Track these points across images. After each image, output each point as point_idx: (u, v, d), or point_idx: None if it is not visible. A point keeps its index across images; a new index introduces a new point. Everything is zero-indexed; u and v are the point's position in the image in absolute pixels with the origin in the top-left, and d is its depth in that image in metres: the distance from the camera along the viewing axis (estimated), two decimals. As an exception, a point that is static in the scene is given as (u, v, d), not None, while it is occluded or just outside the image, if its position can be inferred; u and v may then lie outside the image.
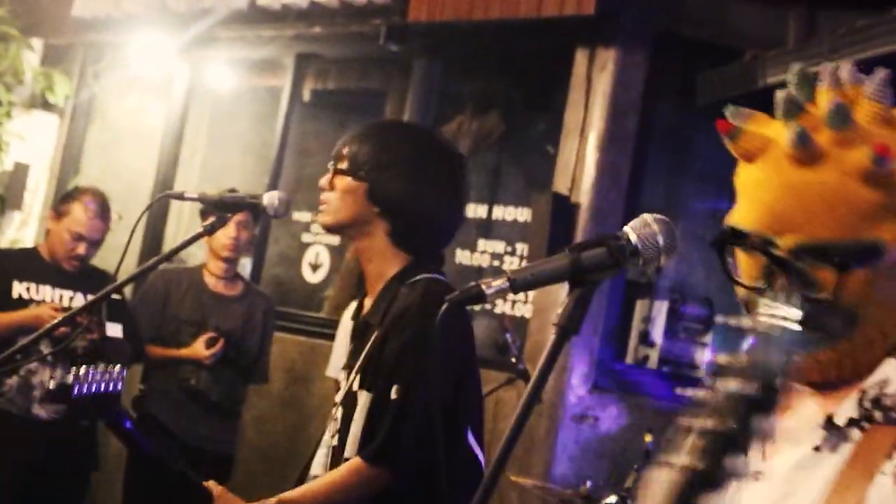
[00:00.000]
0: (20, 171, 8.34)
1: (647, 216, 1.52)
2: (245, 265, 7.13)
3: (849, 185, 1.40)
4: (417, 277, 2.71)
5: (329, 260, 7.62)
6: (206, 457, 4.99)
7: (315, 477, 2.75)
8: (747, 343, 1.29)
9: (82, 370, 2.58)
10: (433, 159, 2.80)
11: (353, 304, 2.96)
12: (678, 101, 6.19)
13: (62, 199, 5.07)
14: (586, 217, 5.57)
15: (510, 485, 4.66)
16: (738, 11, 5.75)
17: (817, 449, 1.42)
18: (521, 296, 6.05)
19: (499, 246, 6.64)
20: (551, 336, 1.46)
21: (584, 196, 5.60)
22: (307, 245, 7.71)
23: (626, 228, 1.50)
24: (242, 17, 7.34)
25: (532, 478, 5.00)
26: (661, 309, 6.01)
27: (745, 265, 1.46)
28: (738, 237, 1.44)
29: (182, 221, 8.51)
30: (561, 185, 5.72)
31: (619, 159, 5.65)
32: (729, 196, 1.49)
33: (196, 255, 6.81)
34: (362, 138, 2.79)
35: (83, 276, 4.91)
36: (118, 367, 2.71)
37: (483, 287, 1.52)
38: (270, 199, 2.89)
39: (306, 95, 7.67)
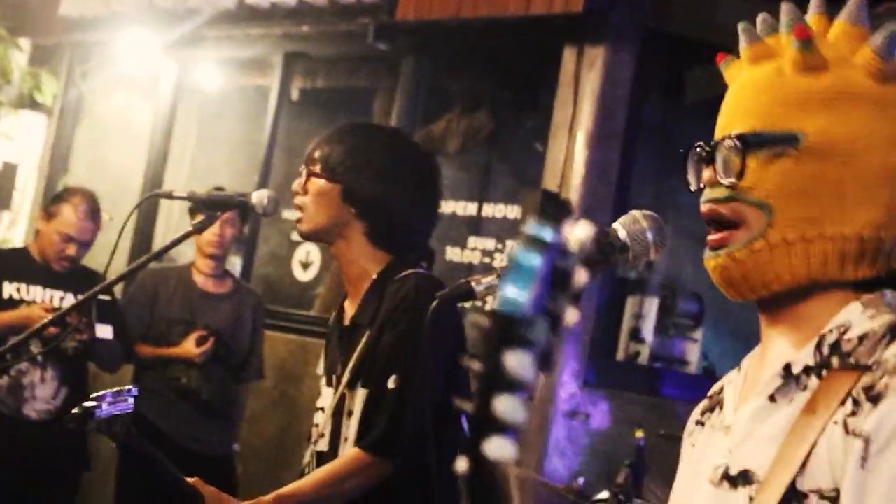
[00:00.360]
0: (9, 171, 8.32)
1: (636, 212, 1.53)
2: (235, 264, 7.12)
3: (781, 76, 1.45)
4: (405, 273, 2.71)
5: (319, 258, 7.62)
6: (199, 458, 4.99)
7: None
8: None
9: (101, 394, 2.61)
10: (405, 158, 2.81)
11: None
12: (667, 98, 6.20)
13: (52, 200, 5.06)
14: (575, 214, 5.58)
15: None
16: (726, 9, 5.76)
17: (772, 399, 1.40)
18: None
19: (489, 243, 6.65)
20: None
21: (573, 193, 5.61)
22: (297, 243, 7.70)
23: (616, 225, 1.51)
24: (230, 15, 7.33)
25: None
26: (651, 305, 6.02)
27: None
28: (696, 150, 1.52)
29: (171, 220, 8.50)
30: (550, 182, 5.73)
31: (608, 156, 5.66)
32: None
33: (186, 254, 6.80)
34: (334, 140, 2.80)
35: (73, 276, 4.90)
36: (129, 387, 2.73)
37: (473, 284, 1.53)
38: (259, 197, 2.89)
39: (295, 94, 7.67)
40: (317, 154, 2.79)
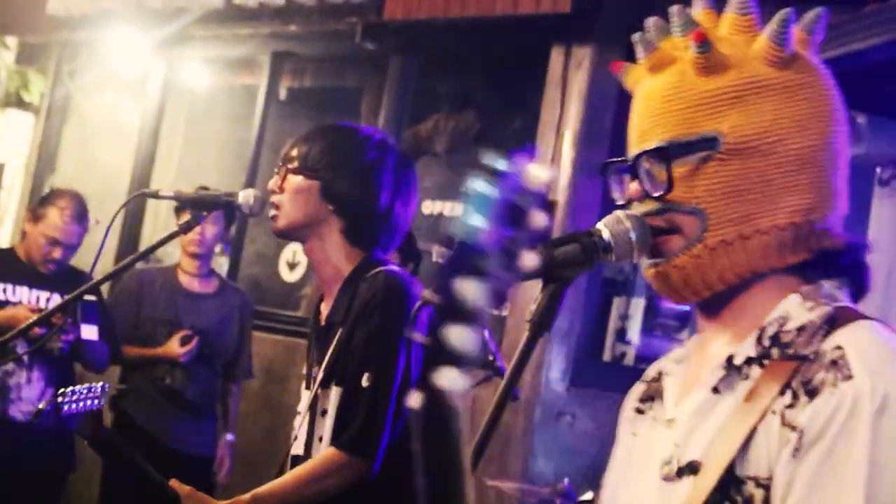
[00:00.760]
0: (-5, 170, 8.31)
1: (619, 213, 1.53)
2: (222, 264, 7.11)
3: (685, 81, 1.46)
4: (375, 271, 2.72)
5: (306, 258, 7.61)
6: (180, 458, 4.98)
7: None
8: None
9: (69, 389, 2.60)
10: (382, 156, 2.81)
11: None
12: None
13: (39, 203, 5.05)
14: (563, 214, 5.58)
15: (487, 488, 4.63)
16: (713, 9, 5.78)
17: (716, 390, 1.42)
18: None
19: (476, 243, 6.65)
20: (525, 333, 1.47)
21: (560, 193, 5.61)
22: (284, 244, 7.69)
23: (599, 225, 1.51)
24: (218, 14, 7.32)
25: (509, 476, 5.00)
26: (637, 306, 6.03)
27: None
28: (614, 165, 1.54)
29: (159, 220, 8.48)
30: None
31: (595, 156, 5.66)
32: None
33: (173, 254, 6.79)
34: (312, 139, 2.81)
35: (60, 276, 4.89)
36: (101, 383, 2.71)
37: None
38: (246, 197, 2.89)
39: (282, 93, 7.66)
40: (294, 152, 2.80)
